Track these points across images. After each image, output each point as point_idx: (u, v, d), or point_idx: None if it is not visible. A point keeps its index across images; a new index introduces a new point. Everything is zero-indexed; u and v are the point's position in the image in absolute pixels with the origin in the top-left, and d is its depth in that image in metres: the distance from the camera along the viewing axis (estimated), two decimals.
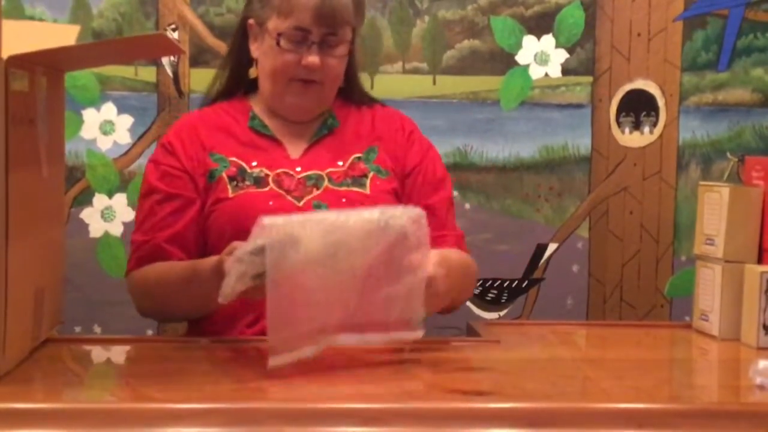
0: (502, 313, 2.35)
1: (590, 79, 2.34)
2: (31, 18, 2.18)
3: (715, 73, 2.36)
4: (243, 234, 1.43)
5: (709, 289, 1.79)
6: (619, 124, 2.35)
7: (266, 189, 1.74)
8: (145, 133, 2.26)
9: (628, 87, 2.35)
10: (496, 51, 2.32)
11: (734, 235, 1.77)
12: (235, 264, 1.39)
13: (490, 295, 2.34)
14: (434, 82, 2.32)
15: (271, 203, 1.71)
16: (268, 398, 1.31)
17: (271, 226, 1.37)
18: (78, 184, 2.25)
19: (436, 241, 1.58)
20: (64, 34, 1.57)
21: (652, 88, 2.35)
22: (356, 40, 1.83)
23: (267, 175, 1.76)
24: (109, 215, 2.26)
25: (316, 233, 1.38)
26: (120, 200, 2.26)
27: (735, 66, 2.37)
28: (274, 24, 1.76)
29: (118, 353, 1.66)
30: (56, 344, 1.57)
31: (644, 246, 2.37)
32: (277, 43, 1.75)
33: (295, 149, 1.82)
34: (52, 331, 1.59)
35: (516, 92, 2.33)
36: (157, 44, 1.68)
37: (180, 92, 2.26)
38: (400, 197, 1.80)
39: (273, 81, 1.79)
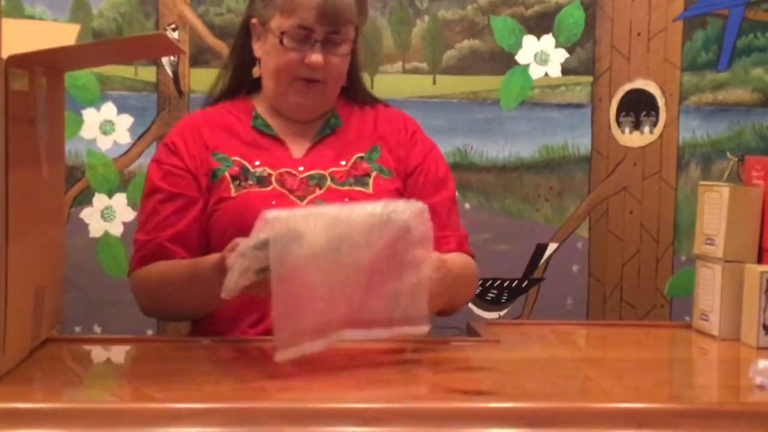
0: (502, 313, 2.35)
1: (590, 78, 2.34)
2: (31, 17, 2.18)
3: (715, 72, 2.36)
4: (245, 233, 1.43)
5: (709, 289, 1.79)
6: (619, 123, 2.35)
7: (269, 188, 1.74)
8: (145, 132, 2.26)
9: (628, 87, 2.35)
10: (496, 51, 2.32)
11: (734, 234, 1.76)
12: (238, 259, 1.39)
13: (490, 294, 2.34)
14: (434, 82, 2.32)
15: (273, 203, 1.71)
16: (269, 398, 1.31)
17: (275, 220, 1.37)
18: (78, 183, 2.25)
19: (438, 242, 1.57)
20: (63, 33, 1.57)
21: (652, 87, 2.35)
22: (359, 39, 1.83)
23: (270, 175, 1.76)
24: (109, 215, 2.26)
25: (319, 227, 1.38)
26: (120, 200, 2.26)
27: (735, 66, 2.37)
28: (277, 23, 1.76)
29: (118, 353, 1.66)
30: (56, 344, 1.57)
31: (644, 246, 2.37)
32: (280, 42, 1.75)
33: (298, 149, 1.82)
34: (52, 331, 1.59)
35: (516, 92, 2.33)
36: (157, 44, 1.68)
37: (180, 92, 2.26)
38: (402, 197, 1.79)
39: (276, 80, 1.79)
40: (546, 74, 2.33)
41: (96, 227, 2.26)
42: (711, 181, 2.27)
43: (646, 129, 2.36)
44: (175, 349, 1.62)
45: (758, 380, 1.38)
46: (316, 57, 1.75)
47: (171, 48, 1.85)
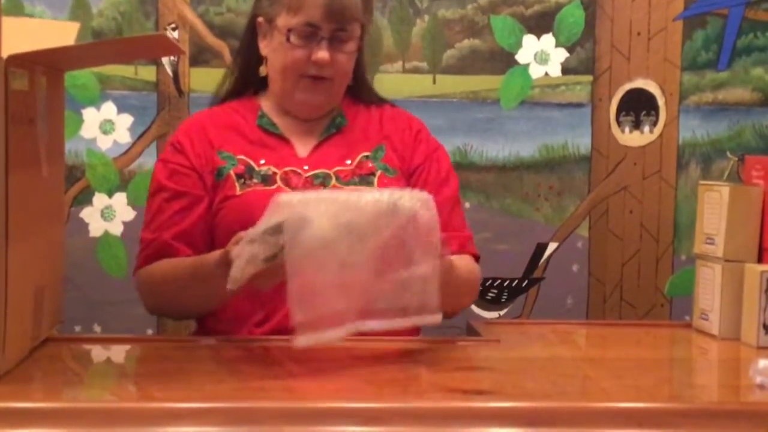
0: (502, 313, 2.35)
1: (590, 78, 2.34)
2: (31, 16, 2.18)
3: (715, 72, 2.36)
4: None
5: (709, 289, 1.79)
6: (619, 123, 2.35)
7: (273, 187, 1.74)
8: (145, 132, 2.26)
9: (628, 86, 2.35)
10: (496, 50, 2.32)
11: (734, 234, 1.77)
12: (247, 246, 1.39)
13: (490, 294, 2.34)
14: (434, 82, 2.32)
15: None
16: (269, 397, 1.31)
17: (287, 204, 1.37)
18: (78, 183, 2.25)
19: None
20: (63, 32, 1.57)
21: (652, 87, 2.35)
22: (365, 38, 1.84)
23: (275, 173, 1.77)
24: (109, 214, 2.26)
25: (330, 212, 1.38)
26: (120, 199, 2.26)
27: (735, 65, 2.37)
28: (283, 20, 1.76)
29: (118, 352, 1.66)
30: (56, 343, 1.57)
31: (644, 245, 2.37)
32: (287, 39, 1.75)
33: (303, 147, 1.82)
34: (52, 330, 1.59)
35: (516, 91, 2.33)
36: (158, 44, 1.69)
37: (180, 91, 2.26)
38: None
39: (283, 78, 1.80)
40: (546, 74, 2.33)
41: (96, 227, 2.26)
42: (711, 180, 2.27)
43: (646, 128, 2.36)
44: (175, 349, 1.62)
45: (758, 380, 1.38)
46: (322, 54, 1.75)
47: (171, 48, 1.85)
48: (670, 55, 2.35)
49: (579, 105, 2.35)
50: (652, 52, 2.34)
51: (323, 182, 1.76)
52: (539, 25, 2.32)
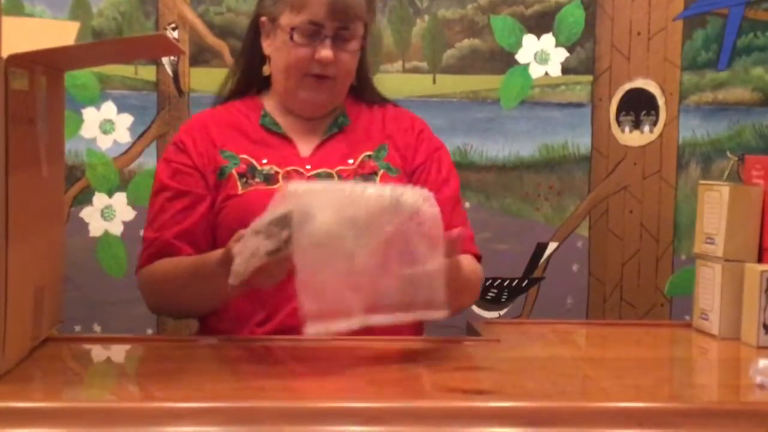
0: (502, 312, 2.35)
1: (590, 78, 2.34)
2: (31, 16, 2.18)
3: (715, 72, 2.36)
4: None
5: (709, 288, 1.79)
6: (619, 123, 2.35)
7: (276, 186, 1.74)
8: (145, 131, 2.26)
9: (628, 86, 2.35)
10: (496, 50, 2.32)
11: (734, 234, 1.77)
12: (251, 238, 1.39)
13: (490, 294, 2.34)
14: (434, 81, 2.32)
15: None
16: (268, 397, 1.31)
17: (293, 194, 1.37)
18: (78, 183, 2.25)
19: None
20: (63, 31, 1.57)
21: (652, 87, 2.35)
22: (368, 37, 1.84)
23: (277, 173, 1.77)
24: (109, 214, 2.26)
25: (336, 204, 1.38)
26: (120, 199, 2.26)
27: (735, 65, 2.37)
28: (287, 19, 1.77)
29: (118, 352, 1.66)
30: (56, 343, 1.57)
31: (644, 245, 2.37)
32: (291, 38, 1.76)
33: (305, 147, 1.82)
34: (52, 330, 1.59)
35: (516, 91, 2.33)
36: (158, 44, 1.69)
37: (180, 91, 2.26)
38: None
39: (286, 76, 1.80)
40: (546, 73, 2.33)
41: (96, 226, 2.26)
42: (711, 180, 2.27)
43: (646, 128, 2.36)
44: (175, 349, 1.62)
45: (758, 379, 1.38)
46: (326, 52, 1.75)
47: (171, 48, 1.86)
48: (670, 54, 2.35)
49: (579, 105, 2.35)
50: (652, 51, 2.34)
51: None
52: (539, 24, 2.32)
